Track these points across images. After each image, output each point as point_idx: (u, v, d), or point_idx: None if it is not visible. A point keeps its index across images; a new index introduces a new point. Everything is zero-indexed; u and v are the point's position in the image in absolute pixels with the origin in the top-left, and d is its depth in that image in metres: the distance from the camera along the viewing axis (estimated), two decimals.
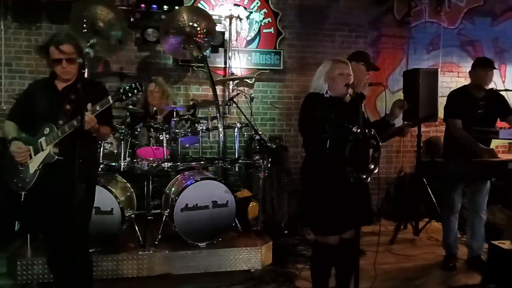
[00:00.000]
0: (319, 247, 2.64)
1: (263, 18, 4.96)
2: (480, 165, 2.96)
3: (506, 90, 3.48)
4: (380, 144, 1.98)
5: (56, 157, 2.34)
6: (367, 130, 1.97)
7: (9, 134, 2.44)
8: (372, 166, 1.99)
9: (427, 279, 3.41)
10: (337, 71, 2.40)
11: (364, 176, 1.99)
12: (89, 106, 2.27)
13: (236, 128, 3.68)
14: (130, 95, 2.34)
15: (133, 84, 2.35)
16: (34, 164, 2.37)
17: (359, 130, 1.92)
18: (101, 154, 3.23)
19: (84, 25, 3.71)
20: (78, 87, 2.26)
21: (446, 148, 3.62)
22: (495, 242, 2.61)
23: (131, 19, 4.36)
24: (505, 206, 4.38)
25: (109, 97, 2.32)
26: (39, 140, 2.36)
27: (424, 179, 4.40)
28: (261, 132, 4.09)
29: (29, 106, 2.45)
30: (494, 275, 2.56)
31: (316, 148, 2.25)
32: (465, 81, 5.24)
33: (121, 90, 2.34)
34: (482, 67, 3.39)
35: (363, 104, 2.12)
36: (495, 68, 3.41)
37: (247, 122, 3.94)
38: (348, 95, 2.33)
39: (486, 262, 2.97)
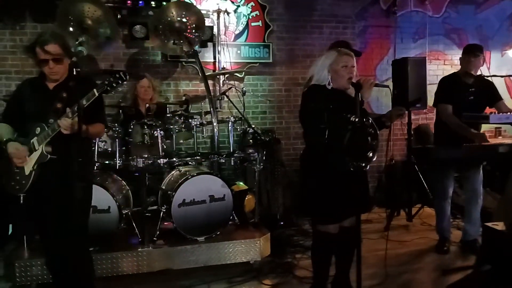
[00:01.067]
0: (320, 236, 2.68)
1: (251, 12, 4.96)
2: (471, 150, 3.03)
3: (494, 76, 3.55)
4: (378, 132, 2.01)
5: (49, 156, 2.31)
6: (364, 119, 2.00)
7: (3, 136, 2.40)
8: (371, 154, 2.03)
9: (423, 263, 3.49)
10: (341, 64, 2.42)
11: (363, 164, 2.03)
12: (68, 110, 2.21)
13: (230, 122, 3.68)
14: (115, 85, 2.27)
15: (117, 74, 2.28)
16: (29, 165, 2.35)
17: (357, 120, 1.95)
18: (95, 153, 3.21)
19: (71, 23, 3.66)
20: (70, 85, 2.23)
21: (437, 134, 3.68)
22: (489, 224, 2.68)
23: (118, 16, 4.31)
24: (494, 189, 4.48)
25: (94, 89, 2.24)
26: (32, 141, 2.33)
27: (415, 166, 4.49)
28: (254, 126, 4.11)
29: (20, 106, 2.41)
30: (488, 256, 2.63)
31: (315, 138, 2.28)
32: (451, 68, 5.35)
33: (106, 82, 2.28)
34: (467, 54, 3.46)
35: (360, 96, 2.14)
36: (478, 56, 3.42)
37: (240, 116, 3.95)
38: (351, 88, 2.35)
39: (481, 244, 3.05)
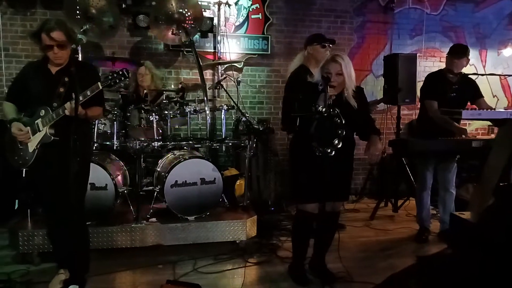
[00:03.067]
0: (299, 215, 2.89)
1: (251, 4, 5.12)
2: (447, 143, 3.19)
3: (474, 74, 3.69)
4: (344, 122, 2.19)
5: (53, 137, 2.54)
6: (331, 110, 2.18)
7: (8, 114, 2.62)
8: (336, 142, 2.21)
9: (400, 249, 3.67)
10: (325, 70, 2.57)
11: (329, 150, 2.22)
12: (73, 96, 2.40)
13: (223, 110, 3.88)
14: (117, 81, 2.55)
15: (120, 71, 2.54)
16: (32, 143, 2.57)
17: (324, 109, 2.14)
18: (95, 134, 3.43)
19: (78, 12, 3.87)
20: (71, 70, 2.41)
21: (421, 128, 3.83)
22: (456, 213, 2.86)
23: (123, 6, 4.51)
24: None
25: (99, 83, 2.48)
26: (36, 122, 2.54)
27: (403, 159, 4.65)
28: (248, 115, 4.30)
29: (24, 88, 2.59)
30: (454, 242, 2.81)
31: (287, 125, 2.47)
32: None
33: (109, 77, 2.54)
34: (451, 54, 3.61)
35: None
36: (461, 57, 3.55)
37: (234, 104, 4.14)
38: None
39: (449, 231, 3.23)
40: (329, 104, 2.20)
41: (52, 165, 2.57)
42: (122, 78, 2.55)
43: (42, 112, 2.53)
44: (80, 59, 3.64)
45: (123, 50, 4.89)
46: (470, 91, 3.64)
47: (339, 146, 2.21)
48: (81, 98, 2.41)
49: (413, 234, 3.97)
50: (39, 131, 2.54)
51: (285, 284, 2.96)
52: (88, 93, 2.46)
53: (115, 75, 2.54)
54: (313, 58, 3.06)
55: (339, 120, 2.16)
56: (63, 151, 2.47)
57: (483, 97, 3.64)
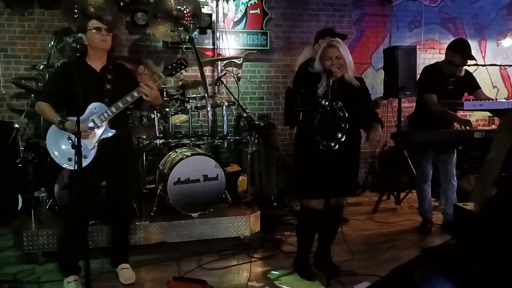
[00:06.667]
0: (304, 211, 2.90)
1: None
2: (449, 135, 3.20)
3: (475, 65, 3.69)
4: (347, 115, 2.20)
5: (114, 131, 2.63)
6: (334, 103, 2.18)
7: (51, 116, 2.59)
8: (339, 135, 2.22)
9: (403, 242, 3.69)
10: (325, 57, 2.59)
11: (332, 144, 2.22)
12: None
13: (224, 107, 3.88)
14: (178, 69, 2.68)
15: (178, 60, 2.67)
16: (93, 140, 2.61)
17: (327, 103, 2.14)
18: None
19: (76, 10, 3.86)
20: (111, 68, 2.59)
21: (419, 120, 3.79)
22: (460, 204, 2.86)
23: (121, 3, 4.50)
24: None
25: (160, 73, 2.65)
26: (91, 118, 2.58)
27: (404, 152, 4.65)
28: (249, 111, 4.30)
29: (64, 86, 2.57)
30: (458, 233, 2.82)
31: (290, 119, 2.47)
32: None
33: (169, 67, 2.67)
34: (461, 55, 3.50)
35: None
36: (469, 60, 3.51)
37: (235, 101, 4.14)
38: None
39: (453, 222, 3.24)
40: (332, 98, 2.19)
41: (112, 158, 2.66)
42: (183, 67, 2.68)
43: (96, 108, 2.59)
44: None
45: (121, 48, 4.87)
46: (467, 83, 3.63)
47: (343, 139, 2.22)
48: (148, 88, 2.54)
49: (416, 226, 3.98)
50: (97, 127, 2.59)
51: (290, 278, 2.97)
52: (151, 83, 2.57)
53: (174, 64, 2.66)
54: None
55: (342, 114, 2.16)
56: (118, 144, 2.65)
57: (480, 88, 3.64)
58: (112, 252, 3.06)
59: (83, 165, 2.52)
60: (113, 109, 2.58)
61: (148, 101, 2.67)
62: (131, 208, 3.15)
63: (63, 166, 2.65)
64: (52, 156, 2.64)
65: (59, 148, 2.63)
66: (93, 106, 2.58)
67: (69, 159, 2.60)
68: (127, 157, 2.85)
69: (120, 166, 2.74)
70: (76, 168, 2.23)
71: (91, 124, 2.57)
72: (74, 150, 2.40)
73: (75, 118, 2.44)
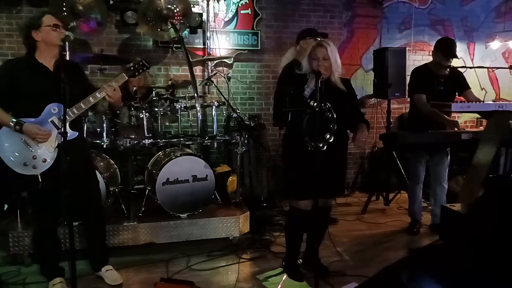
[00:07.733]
0: (292, 212, 2.89)
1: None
2: (436, 136, 3.22)
3: (463, 67, 3.71)
4: (335, 116, 2.20)
5: (77, 133, 2.55)
6: (322, 104, 2.18)
7: (3, 117, 2.40)
8: (328, 136, 2.22)
9: (392, 242, 3.71)
10: (312, 56, 2.59)
11: (321, 145, 2.22)
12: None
13: (214, 107, 3.86)
14: (141, 71, 2.64)
15: (140, 62, 2.62)
16: (50, 143, 2.46)
17: (315, 104, 2.14)
18: (84, 131, 3.39)
19: (64, 8, 3.81)
20: (63, 66, 2.36)
21: (412, 122, 3.85)
22: (447, 205, 2.88)
23: (111, 2, 4.46)
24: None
25: (124, 74, 2.58)
26: (50, 119, 2.44)
27: (393, 153, 4.68)
28: (239, 111, 4.28)
29: (13, 86, 2.41)
30: (445, 234, 2.83)
31: (279, 121, 2.47)
32: None
33: (132, 68, 2.61)
34: (444, 55, 3.53)
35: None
36: (453, 58, 3.54)
37: (225, 101, 4.12)
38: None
39: (440, 223, 3.26)
40: (320, 99, 2.19)
41: (76, 161, 2.43)
42: (144, 68, 2.65)
43: (55, 109, 2.45)
44: (67, 56, 3.59)
45: (111, 47, 4.84)
46: (457, 84, 3.66)
47: (331, 140, 2.22)
48: (110, 89, 2.47)
49: (404, 226, 4.00)
50: (58, 128, 2.46)
51: (279, 278, 2.96)
52: (114, 84, 2.51)
53: (136, 66, 2.62)
54: (305, 52, 3.05)
55: (330, 115, 2.16)
56: (77, 146, 2.53)
57: (470, 88, 3.67)
58: (91, 255, 2.97)
59: (43, 169, 2.47)
60: (74, 110, 2.45)
61: (109, 102, 2.59)
62: (100, 209, 2.98)
63: (18, 172, 2.44)
64: (5, 161, 2.43)
65: (13, 153, 2.43)
66: (51, 106, 2.44)
67: (25, 164, 2.43)
68: (87, 158, 2.82)
69: (81, 167, 2.62)
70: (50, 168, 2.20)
71: (50, 126, 2.44)
72: (30, 154, 2.35)
73: (31, 120, 2.40)
